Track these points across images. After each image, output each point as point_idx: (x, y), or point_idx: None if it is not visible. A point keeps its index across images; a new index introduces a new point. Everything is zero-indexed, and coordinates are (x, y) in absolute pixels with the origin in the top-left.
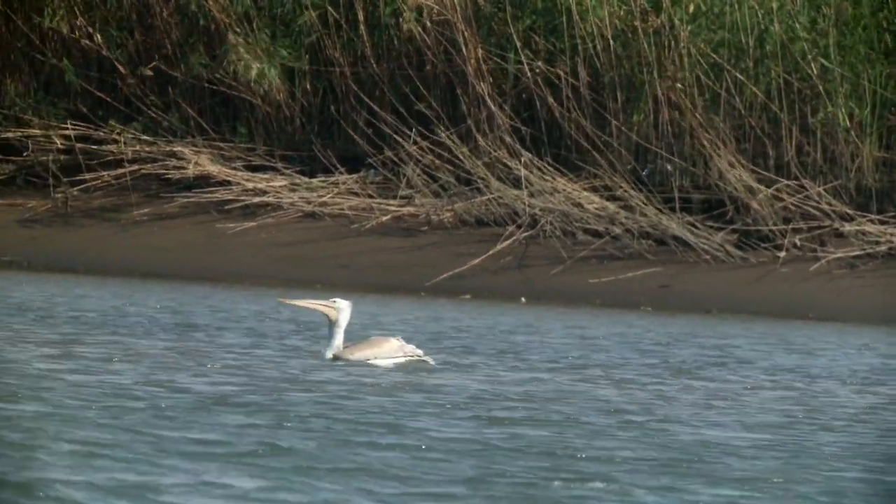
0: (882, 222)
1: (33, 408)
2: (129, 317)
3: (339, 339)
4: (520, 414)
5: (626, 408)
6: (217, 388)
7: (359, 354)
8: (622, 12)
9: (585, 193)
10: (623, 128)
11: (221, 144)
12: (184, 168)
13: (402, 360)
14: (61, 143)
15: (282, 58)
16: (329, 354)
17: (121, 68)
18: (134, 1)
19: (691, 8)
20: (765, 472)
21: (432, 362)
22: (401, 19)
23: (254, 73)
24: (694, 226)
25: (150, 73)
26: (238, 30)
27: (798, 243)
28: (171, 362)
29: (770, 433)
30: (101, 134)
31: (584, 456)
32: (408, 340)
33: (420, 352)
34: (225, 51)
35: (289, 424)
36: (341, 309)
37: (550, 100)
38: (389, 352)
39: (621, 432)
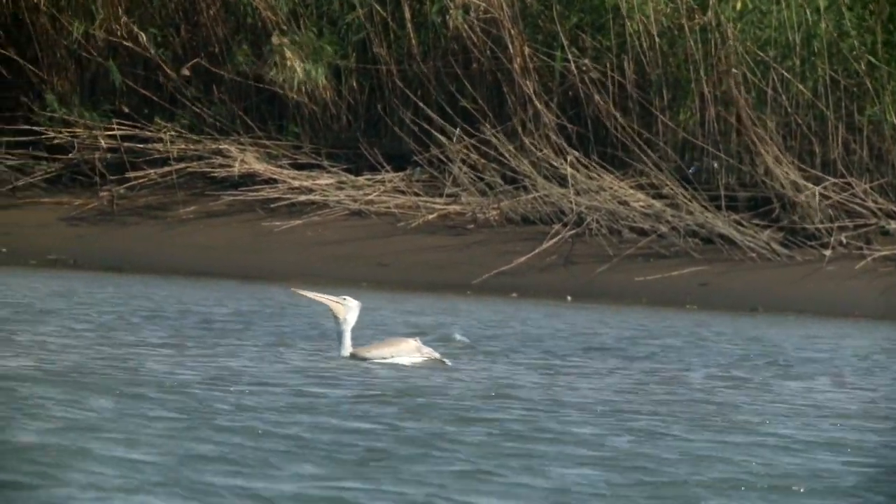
0: None
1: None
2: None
3: (348, 337)
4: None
5: None
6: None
7: (376, 353)
8: (669, 10)
9: (631, 191)
10: (669, 125)
11: (267, 142)
12: (230, 166)
13: (419, 360)
14: (107, 143)
15: (328, 56)
16: (346, 353)
17: (166, 67)
18: (179, 0)
19: (738, 5)
20: None
21: (449, 363)
22: (447, 17)
23: (299, 74)
24: (740, 224)
25: (188, 73)
26: (284, 28)
27: (844, 241)
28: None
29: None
30: (147, 132)
31: None
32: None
33: (437, 354)
34: (269, 51)
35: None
36: (350, 308)
37: (597, 98)
38: (407, 352)
39: None
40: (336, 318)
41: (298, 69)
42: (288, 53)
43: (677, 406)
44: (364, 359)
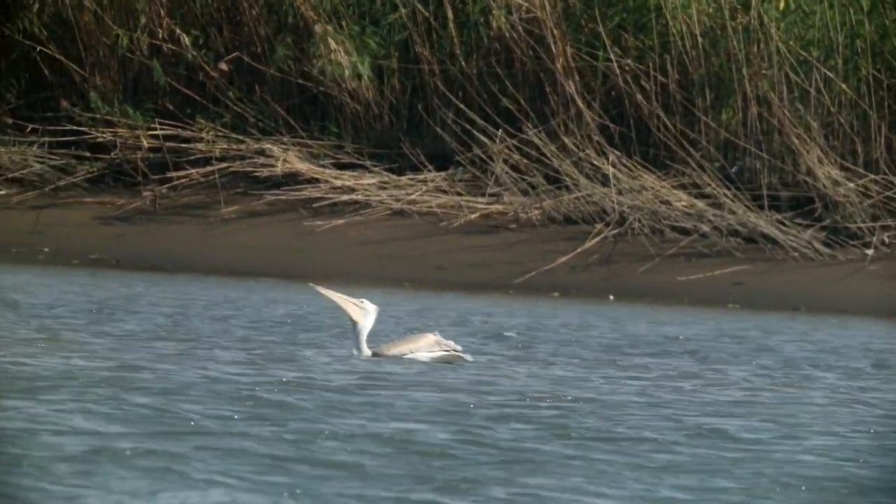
0: None
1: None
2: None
3: (363, 339)
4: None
5: None
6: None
7: (395, 350)
8: (711, 9)
9: (674, 191)
10: (712, 125)
11: (310, 142)
12: (272, 166)
13: (439, 354)
14: (149, 142)
15: (371, 50)
16: (366, 353)
17: (207, 68)
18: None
19: (781, 5)
20: None
21: (470, 358)
22: (490, 17)
23: (344, 66)
24: (782, 223)
25: (225, 67)
26: (331, 26)
27: (886, 240)
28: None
29: None
30: (190, 132)
31: None
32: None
33: (459, 347)
34: (313, 43)
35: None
36: (368, 312)
37: (639, 97)
38: (426, 347)
39: None
40: (352, 320)
41: (343, 60)
42: (332, 44)
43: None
44: (385, 356)
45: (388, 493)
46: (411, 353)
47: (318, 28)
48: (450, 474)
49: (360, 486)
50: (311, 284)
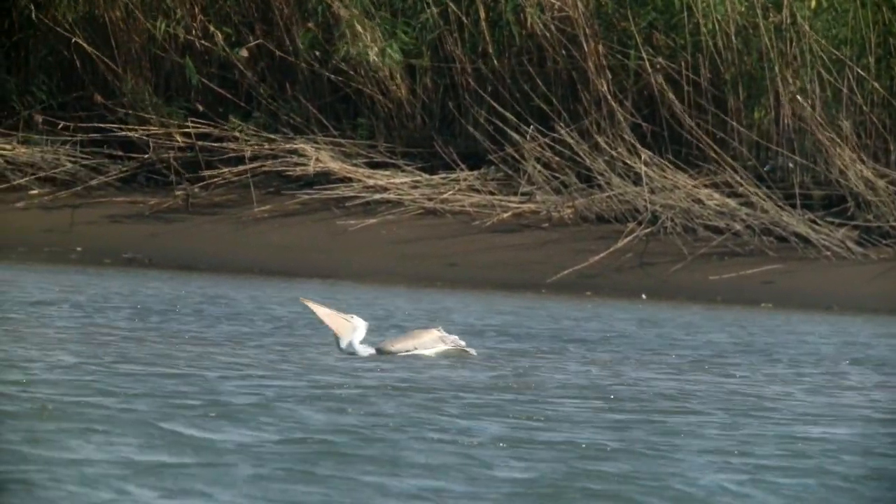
0: None
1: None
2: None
3: (357, 344)
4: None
5: None
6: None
7: (399, 346)
8: (743, 8)
9: (706, 190)
10: (744, 124)
11: (342, 141)
12: (305, 165)
13: (443, 349)
14: (182, 141)
15: (402, 43)
16: (367, 351)
17: (240, 66)
18: None
19: (813, 4)
20: None
21: (474, 353)
22: (522, 16)
23: (371, 53)
24: (815, 222)
25: (246, 54)
26: (359, 14)
27: None
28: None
29: None
30: (222, 131)
31: None
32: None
33: (462, 343)
34: (339, 28)
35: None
36: (357, 328)
37: (671, 96)
38: (430, 342)
39: None
40: (336, 336)
41: (371, 48)
42: (359, 28)
43: None
44: (389, 353)
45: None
46: (415, 349)
47: (343, 13)
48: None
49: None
50: (301, 299)
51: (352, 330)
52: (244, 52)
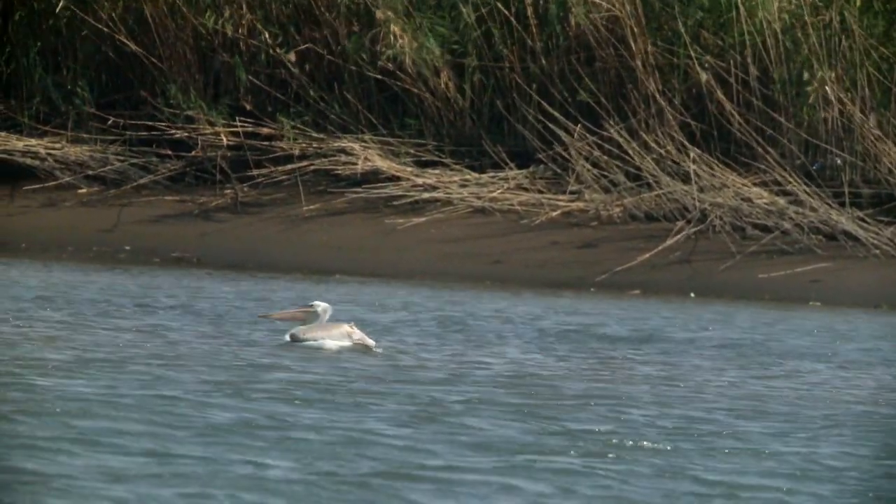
0: None
1: None
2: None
3: (298, 326)
4: None
5: None
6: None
7: (309, 335)
8: (792, 6)
9: (755, 189)
10: (792, 122)
11: (391, 140)
12: (353, 164)
13: (348, 344)
14: (230, 140)
15: (442, 37)
16: (287, 337)
17: (289, 65)
18: None
19: (858, 2)
20: None
21: (379, 351)
22: (570, 15)
23: (409, 50)
24: (863, 220)
25: (293, 58)
26: (396, 16)
27: None
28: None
29: None
30: (270, 130)
31: None
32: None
33: (371, 342)
34: (379, 30)
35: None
36: (320, 313)
37: (719, 95)
38: (338, 335)
39: None
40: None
41: (410, 45)
42: (395, 29)
43: None
44: (298, 340)
45: None
46: (323, 339)
47: (379, 14)
48: None
49: None
50: (260, 315)
51: (315, 315)
52: (291, 56)
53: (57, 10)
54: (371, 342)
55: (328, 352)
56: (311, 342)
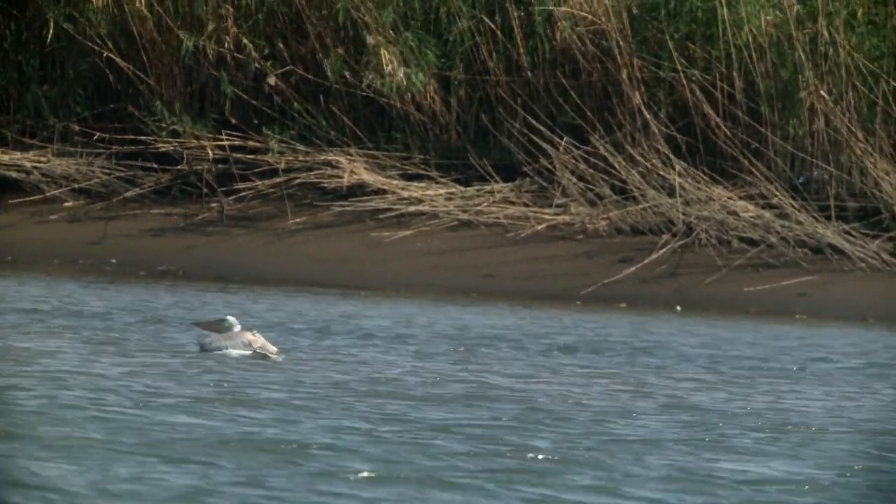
0: None
1: None
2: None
3: (209, 336)
4: None
5: None
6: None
7: (215, 345)
8: (778, 20)
9: (741, 202)
10: (778, 136)
11: (376, 153)
12: (339, 177)
13: (248, 353)
14: (216, 153)
15: (429, 62)
16: (197, 345)
17: (275, 78)
18: (286, 11)
19: (843, 16)
20: None
21: (278, 359)
22: (555, 28)
23: (398, 77)
24: (849, 234)
25: (273, 82)
26: (387, 38)
27: None
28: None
29: None
30: (256, 143)
31: None
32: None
33: (273, 348)
34: (366, 54)
35: None
36: (230, 324)
37: (705, 108)
38: (239, 344)
39: None
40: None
41: (399, 73)
42: (385, 55)
43: None
44: (207, 349)
45: None
46: (227, 348)
47: (370, 39)
48: None
49: None
50: (192, 322)
51: (225, 329)
52: (272, 81)
53: (49, 24)
54: (273, 349)
55: (232, 360)
56: (216, 352)
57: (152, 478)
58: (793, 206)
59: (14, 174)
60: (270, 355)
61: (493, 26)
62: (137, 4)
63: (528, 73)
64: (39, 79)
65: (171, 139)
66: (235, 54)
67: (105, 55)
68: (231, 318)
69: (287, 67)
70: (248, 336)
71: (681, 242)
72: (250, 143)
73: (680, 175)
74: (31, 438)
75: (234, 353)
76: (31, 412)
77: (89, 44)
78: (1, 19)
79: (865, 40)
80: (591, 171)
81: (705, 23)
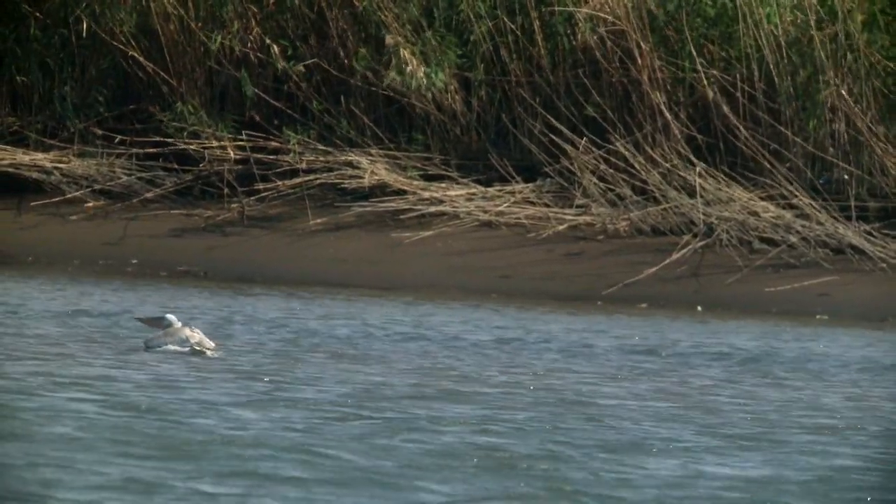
0: None
1: None
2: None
3: (155, 334)
4: None
5: None
6: None
7: (157, 342)
8: (797, 20)
9: (762, 202)
10: (799, 136)
11: (397, 154)
12: (360, 178)
13: (185, 349)
14: (237, 154)
15: (450, 61)
16: (143, 343)
17: (297, 79)
18: (308, 12)
19: (860, 17)
20: None
21: (213, 355)
22: (575, 28)
23: (418, 77)
24: (870, 234)
25: (302, 69)
26: (409, 38)
27: None
28: None
29: None
30: (277, 144)
31: None
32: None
33: (211, 344)
34: (386, 54)
35: None
36: (169, 321)
37: (726, 108)
38: (178, 341)
39: None
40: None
41: (419, 72)
42: (404, 54)
43: None
44: (149, 346)
45: None
46: (166, 344)
47: (389, 39)
48: None
49: None
50: (135, 317)
51: (165, 326)
52: (300, 67)
53: (79, 22)
54: (210, 345)
55: (171, 355)
56: (157, 348)
57: (162, 481)
58: (813, 206)
59: (35, 175)
60: (207, 351)
61: (513, 27)
62: (164, 3)
63: (549, 73)
64: (59, 80)
65: (191, 140)
66: (258, 54)
67: (130, 54)
68: (170, 316)
69: (312, 60)
70: (187, 332)
71: (702, 243)
72: (271, 143)
73: (700, 175)
74: (30, 438)
75: (173, 348)
76: (30, 412)
77: (114, 42)
78: (21, 18)
79: (885, 39)
80: (611, 171)
81: (725, 22)
